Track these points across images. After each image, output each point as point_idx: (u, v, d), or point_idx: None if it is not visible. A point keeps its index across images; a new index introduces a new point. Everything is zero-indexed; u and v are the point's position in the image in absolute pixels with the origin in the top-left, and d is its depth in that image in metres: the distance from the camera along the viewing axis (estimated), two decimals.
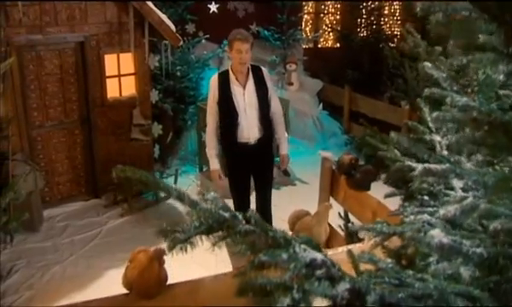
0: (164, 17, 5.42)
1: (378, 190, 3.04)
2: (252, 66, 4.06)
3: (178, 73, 6.72)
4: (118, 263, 4.06)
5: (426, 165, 1.35)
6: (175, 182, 6.00)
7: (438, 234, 1.21)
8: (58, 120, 5.30)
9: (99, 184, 5.65)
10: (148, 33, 5.49)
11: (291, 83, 7.80)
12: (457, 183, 1.60)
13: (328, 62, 8.53)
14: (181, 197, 1.08)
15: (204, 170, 6.47)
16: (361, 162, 3.78)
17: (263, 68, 4.19)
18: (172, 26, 5.53)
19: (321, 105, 8.07)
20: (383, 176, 2.69)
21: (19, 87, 4.88)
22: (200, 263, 4.15)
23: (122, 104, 5.63)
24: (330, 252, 2.83)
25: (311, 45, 9.16)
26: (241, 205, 4.10)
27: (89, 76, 5.32)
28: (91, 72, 5.33)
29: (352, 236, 3.84)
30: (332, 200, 3.88)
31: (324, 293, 0.93)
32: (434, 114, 1.38)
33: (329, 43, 9.41)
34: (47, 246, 4.71)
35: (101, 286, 3.99)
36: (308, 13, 9.17)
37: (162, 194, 5.90)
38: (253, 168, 4.21)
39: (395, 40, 8.89)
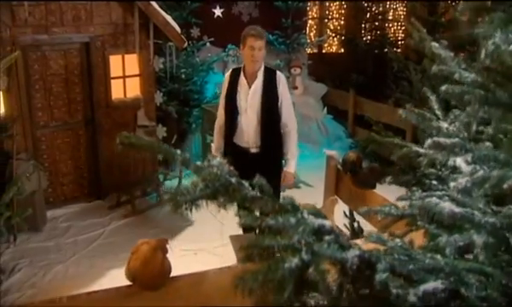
0: (169, 18, 5.43)
1: (384, 189, 3.01)
2: (266, 67, 3.86)
3: (183, 76, 6.72)
4: (120, 264, 4.01)
5: (435, 138, 1.33)
6: (179, 183, 5.98)
7: (449, 205, 1.18)
8: (62, 121, 5.30)
9: (102, 186, 5.64)
10: (153, 35, 5.49)
11: (295, 87, 7.79)
12: (466, 167, 1.57)
13: (333, 67, 8.53)
14: (186, 162, 1.06)
15: None
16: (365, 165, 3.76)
17: (279, 73, 3.90)
18: (177, 28, 5.54)
19: (325, 109, 8.05)
20: (388, 178, 2.66)
21: (24, 86, 4.89)
22: (204, 262, 4.12)
23: (127, 105, 5.63)
24: None
25: (315, 50, 9.17)
26: None
27: (93, 77, 5.32)
28: (96, 72, 5.33)
29: (357, 234, 3.81)
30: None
31: (334, 256, 0.90)
32: (443, 87, 1.36)
33: (334, 49, 9.42)
34: (50, 246, 4.69)
35: (104, 286, 3.91)
36: (312, 18, 9.18)
37: (165, 196, 5.89)
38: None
39: (399, 44, 8.89)
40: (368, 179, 3.70)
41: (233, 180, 1.02)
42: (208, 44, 7.28)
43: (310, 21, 9.09)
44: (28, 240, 4.73)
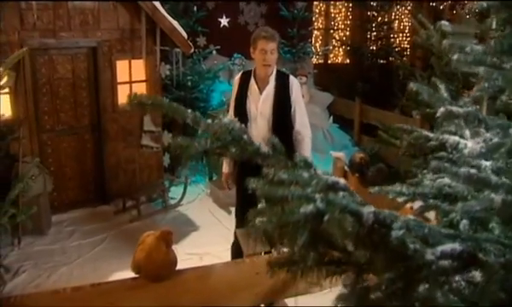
0: (176, 24, 5.46)
1: None
2: (279, 71, 3.63)
3: (189, 83, 6.74)
4: (125, 267, 3.97)
5: (448, 106, 1.30)
6: (184, 190, 5.96)
7: (465, 169, 1.16)
8: (68, 125, 5.31)
9: (108, 191, 5.62)
10: (159, 40, 5.52)
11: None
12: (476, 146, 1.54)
13: (338, 77, 8.54)
14: (196, 120, 1.04)
15: (214, 179, 6.42)
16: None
17: (292, 77, 3.67)
18: (184, 34, 5.56)
19: (331, 118, 8.04)
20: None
21: (31, 90, 4.91)
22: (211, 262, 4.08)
23: (133, 110, 5.63)
24: None
25: (321, 60, 9.20)
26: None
27: (100, 81, 5.34)
28: (103, 77, 5.35)
29: None
30: None
31: (349, 207, 0.88)
32: (455, 56, 1.34)
33: (339, 59, 9.44)
34: (54, 249, 4.66)
35: None
36: (318, 29, 9.23)
37: (171, 202, 5.87)
38: None
39: (405, 54, 8.91)
40: (376, 179, 3.67)
41: (245, 136, 0.99)
42: (214, 53, 7.31)
43: (315, 32, 9.13)
44: (33, 243, 4.71)
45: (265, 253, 2.55)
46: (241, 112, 3.54)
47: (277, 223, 0.80)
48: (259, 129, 3.55)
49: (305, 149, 3.55)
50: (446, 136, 1.57)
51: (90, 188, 5.58)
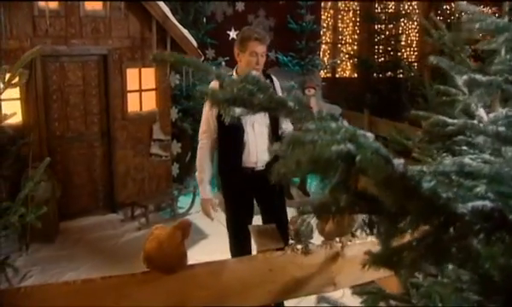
0: (186, 32, 5.49)
1: None
2: (264, 72, 3.34)
3: (198, 93, 6.73)
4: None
5: (471, 74, 1.27)
6: (193, 201, 5.92)
7: (492, 126, 1.12)
8: (78, 132, 5.31)
9: (116, 199, 5.59)
10: (170, 49, 5.54)
11: (310, 108, 7.78)
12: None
13: (346, 90, 8.54)
14: (220, 76, 1.01)
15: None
16: None
17: (273, 77, 3.41)
18: (194, 42, 5.60)
19: None
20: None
21: (42, 96, 4.92)
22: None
23: (142, 118, 5.64)
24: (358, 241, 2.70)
25: (329, 74, 9.21)
26: (239, 250, 3.25)
27: (110, 89, 5.36)
28: (113, 85, 5.37)
29: None
30: None
31: (380, 150, 0.84)
32: (477, 25, 1.31)
33: (347, 73, 9.45)
34: (62, 255, 4.62)
35: None
36: (326, 43, 9.27)
37: (180, 211, 5.82)
38: (260, 200, 3.42)
39: (413, 67, 8.91)
40: None
41: (271, 89, 0.97)
42: (223, 64, 7.33)
43: (323, 46, 9.17)
44: (40, 250, 4.68)
45: (277, 250, 2.49)
46: (234, 123, 3.15)
47: (309, 158, 0.77)
48: (258, 136, 3.22)
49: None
50: (463, 120, 1.54)
51: (98, 195, 5.56)
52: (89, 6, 5.08)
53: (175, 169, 6.17)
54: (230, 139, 3.19)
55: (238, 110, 0.99)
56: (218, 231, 5.34)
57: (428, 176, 0.97)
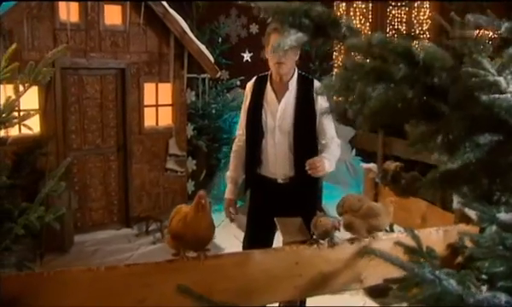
0: (203, 48, 5.55)
1: None
2: (301, 75, 3.02)
3: (214, 111, 6.77)
4: None
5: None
6: None
7: None
8: (95, 145, 5.32)
9: (131, 214, 5.55)
10: (187, 65, 5.60)
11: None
12: None
13: None
14: None
15: (238, 206, 6.31)
16: None
17: (317, 82, 2.99)
18: (211, 58, 5.65)
19: (353, 151, 7.98)
20: None
21: (60, 108, 4.96)
22: None
23: (158, 133, 5.65)
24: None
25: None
26: None
27: (127, 103, 5.39)
28: (130, 99, 5.40)
29: None
30: None
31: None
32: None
33: None
34: (76, 266, 4.54)
35: None
36: (337, 66, 9.33)
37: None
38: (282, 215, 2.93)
39: None
40: (410, 188, 3.55)
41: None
42: (238, 83, 7.38)
43: (335, 70, 9.22)
44: (54, 260, 4.62)
45: (303, 242, 2.43)
46: (255, 126, 2.95)
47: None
48: (278, 145, 2.95)
49: (333, 150, 2.96)
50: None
51: (113, 209, 5.52)
52: (108, 20, 5.16)
53: (190, 186, 6.14)
54: (251, 141, 3.02)
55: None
56: (235, 246, 5.25)
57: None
